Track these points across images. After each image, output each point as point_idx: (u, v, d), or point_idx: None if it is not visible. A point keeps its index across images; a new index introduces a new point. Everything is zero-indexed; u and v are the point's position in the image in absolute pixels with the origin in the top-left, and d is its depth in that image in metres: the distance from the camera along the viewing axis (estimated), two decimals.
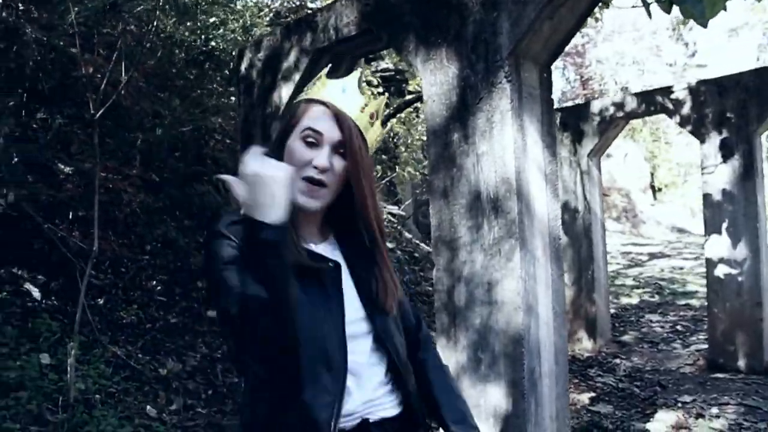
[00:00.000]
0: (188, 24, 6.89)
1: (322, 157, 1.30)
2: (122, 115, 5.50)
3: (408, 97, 9.28)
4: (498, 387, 2.65)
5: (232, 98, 7.11)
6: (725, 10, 3.01)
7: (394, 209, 10.03)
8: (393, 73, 10.76)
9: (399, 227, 9.91)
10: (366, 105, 1.37)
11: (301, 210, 1.33)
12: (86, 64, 4.45)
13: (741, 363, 5.89)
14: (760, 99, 5.79)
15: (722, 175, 5.93)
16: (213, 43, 7.05)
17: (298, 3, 10.13)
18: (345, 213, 1.41)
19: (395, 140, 10.05)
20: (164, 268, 5.53)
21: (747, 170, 5.80)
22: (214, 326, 5.29)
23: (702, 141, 6.10)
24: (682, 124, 6.39)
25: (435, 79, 2.92)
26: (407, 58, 3.07)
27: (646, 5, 3.29)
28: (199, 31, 7.01)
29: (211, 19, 7.13)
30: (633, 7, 4.46)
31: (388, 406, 1.38)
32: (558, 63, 23.39)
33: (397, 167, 9.46)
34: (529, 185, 2.70)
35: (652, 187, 23.45)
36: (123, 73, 4.28)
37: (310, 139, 1.32)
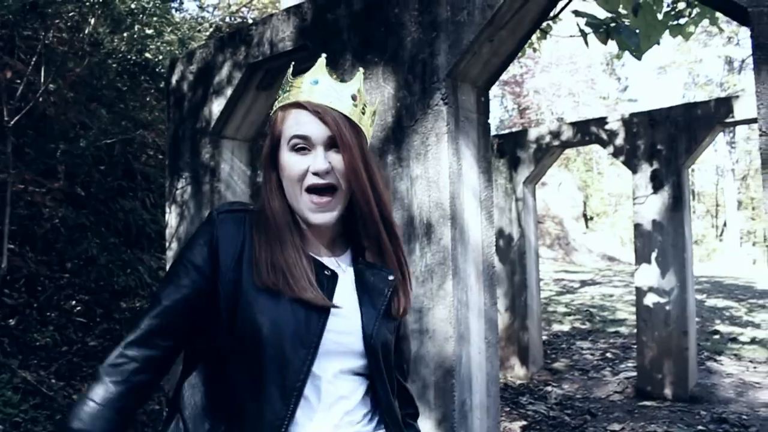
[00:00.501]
0: (124, 35, 6.64)
1: (318, 160, 1.18)
2: (44, 124, 5.22)
3: None
4: (428, 419, 2.55)
5: None
6: (659, 44, 3.06)
7: None
8: None
9: None
10: (358, 92, 1.23)
11: (317, 228, 1.23)
12: (3, 68, 4.19)
13: (668, 391, 5.98)
14: (688, 133, 5.97)
15: (652, 206, 6.07)
16: (148, 55, 6.81)
17: (240, 19, 9.98)
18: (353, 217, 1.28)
19: None
20: (85, 287, 5.24)
21: (676, 202, 5.95)
22: None
23: (634, 172, 6.24)
24: (615, 155, 6.53)
25: (371, 99, 2.84)
26: (343, 76, 2.98)
27: (584, 35, 3.32)
28: (134, 42, 6.76)
29: (147, 30, 6.90)
30: (571, 36, 4.52)
31: None
32: (497, 92, 23.91)
33: None
34: (464, 211, 2.63)
35: (585, 215, 24.09)
36: (43, 80, 4.04)
37: (299, 146, 1.19)
